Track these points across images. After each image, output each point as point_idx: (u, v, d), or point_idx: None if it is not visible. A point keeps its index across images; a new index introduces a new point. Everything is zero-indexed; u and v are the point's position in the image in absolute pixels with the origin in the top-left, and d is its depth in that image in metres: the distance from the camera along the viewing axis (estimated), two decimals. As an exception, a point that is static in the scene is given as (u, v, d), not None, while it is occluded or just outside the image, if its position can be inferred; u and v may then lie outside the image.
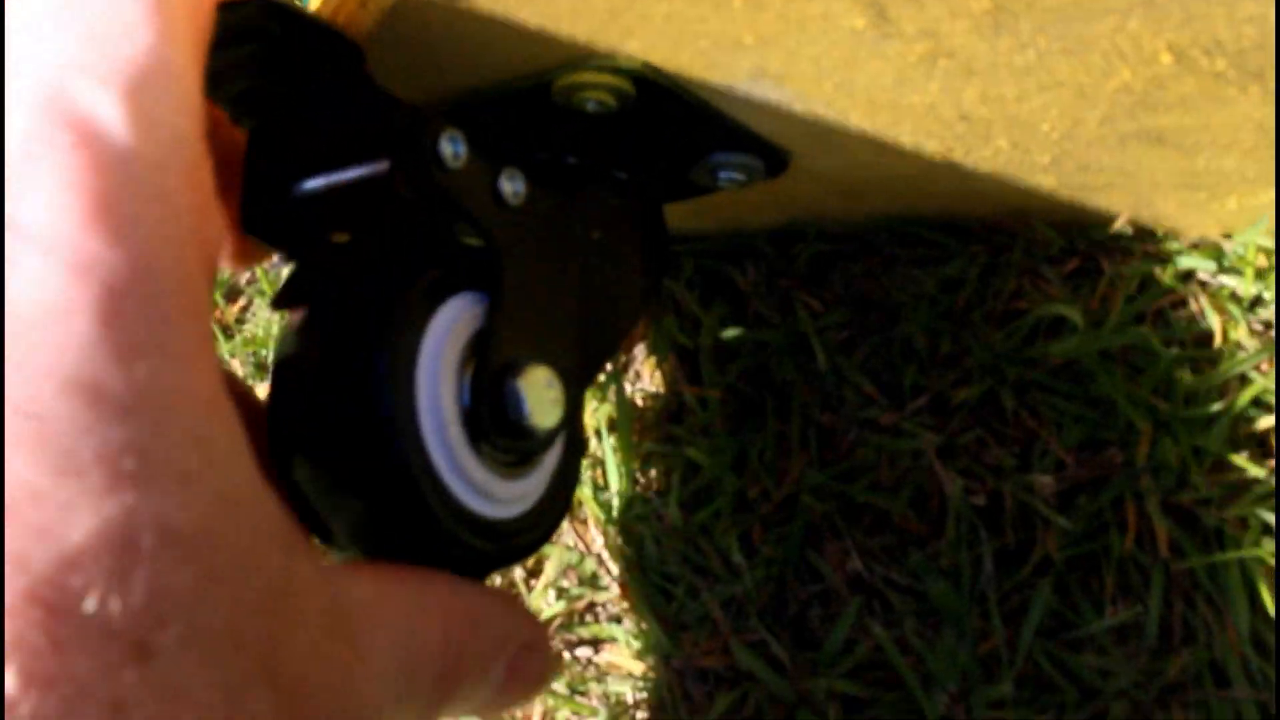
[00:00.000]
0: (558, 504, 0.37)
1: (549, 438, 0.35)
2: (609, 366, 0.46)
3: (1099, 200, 0.45)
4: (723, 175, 0.41)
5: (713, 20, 0.35)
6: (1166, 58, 0.36)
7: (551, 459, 0.37)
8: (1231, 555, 0.43)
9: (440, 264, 0.35)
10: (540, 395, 0.35)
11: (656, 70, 0.37)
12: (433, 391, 0.33)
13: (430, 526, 0.33)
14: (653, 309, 0.47)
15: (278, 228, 0.35)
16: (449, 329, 0.35)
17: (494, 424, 0.34)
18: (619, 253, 0.38)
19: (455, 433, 0.34)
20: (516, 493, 0.35)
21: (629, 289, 0.38)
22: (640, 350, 0.47)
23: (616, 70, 0.37)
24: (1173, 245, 0.46)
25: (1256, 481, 0.43)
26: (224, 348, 0.46)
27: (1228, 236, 0.46)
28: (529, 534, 0.36)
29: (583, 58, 0.36)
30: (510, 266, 0.35)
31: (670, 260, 0.41)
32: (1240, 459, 0.43)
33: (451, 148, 0.33)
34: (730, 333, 0.46)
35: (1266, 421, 0.44)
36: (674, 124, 0.39)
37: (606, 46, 0.36)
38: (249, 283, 0.48)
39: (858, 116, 0.40)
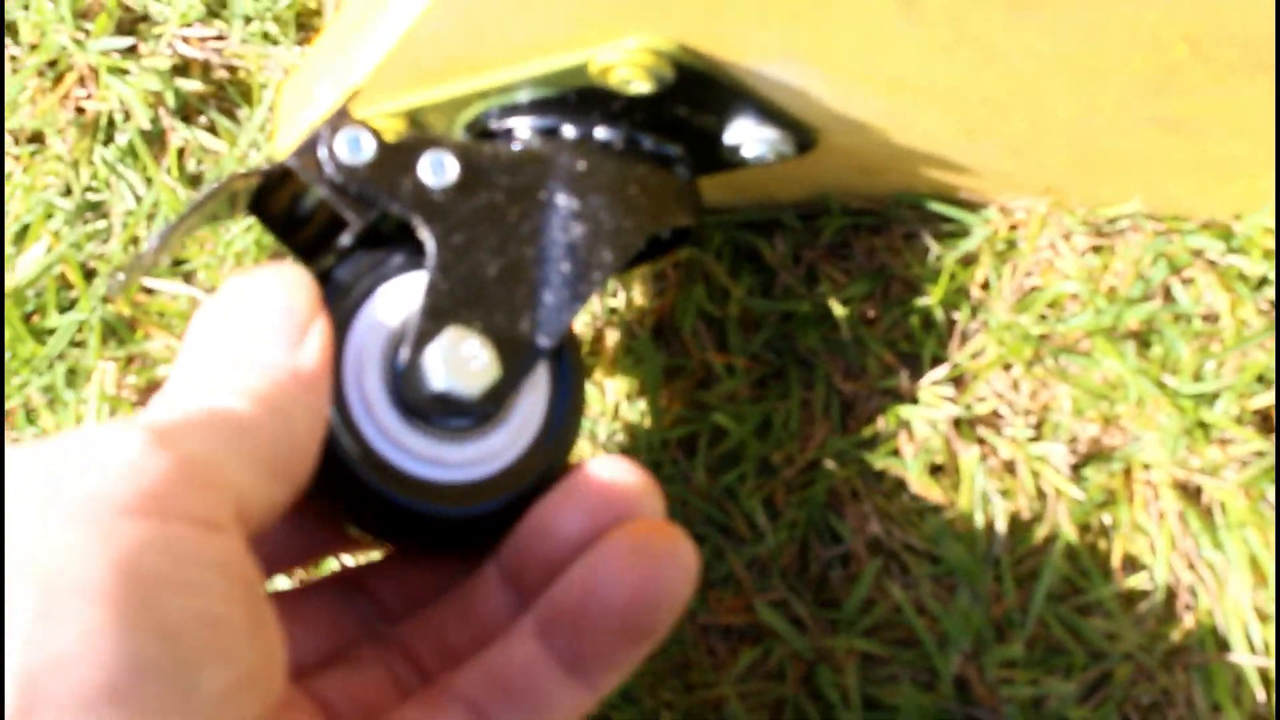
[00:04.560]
0: (549, 453, 0.39)
1: (486, 400, 0.37)
2: (638, 333, 0.48)
3: (1113, 182, 0.47)
4: (753, 152, 0.43)
5: (746, 2, 0.37)
6: (1182, 48, 0.37)
7: (526, 416, 0.39)
8: (1234, 526, 0.45)
9: (380, 250, 0.38)
10: (458, 363, 0.36)
11: (692, 52, 0.39)
12: (357, 374, 0.36)
13: (366, 493, 0.35)
14: (680, 279, 0.49)
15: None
16: (382, 313, 0.37)
17: (414, 395, 0.36)
18: (594, 214, 0.40)
19: (383, 409, 0.36)
20: (477, 454, 0.37)
21: (604, 246, 0.40)
22: (667, 318, 0.49)
23: (654, 51, 0.38)
24: (1184, 225, 0.48)
25: (1258, 455, 0.45)
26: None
27: (1237, 218, 0.47)
28: (517, 483, 0.38)
29: (620, 38, 0.38)
30: (440, 243, 0.37)
31: (698, 228, 0.42)
32: (1244, 432, 0.45)
33: (349, 145, 0.36)
34: (757, 303, 0.48)
35: (1268, 398, 0.45)
36: (706, 103, 0.41)
37: (644, 27, 0.38)
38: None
39: (881, 96, 0.41)
